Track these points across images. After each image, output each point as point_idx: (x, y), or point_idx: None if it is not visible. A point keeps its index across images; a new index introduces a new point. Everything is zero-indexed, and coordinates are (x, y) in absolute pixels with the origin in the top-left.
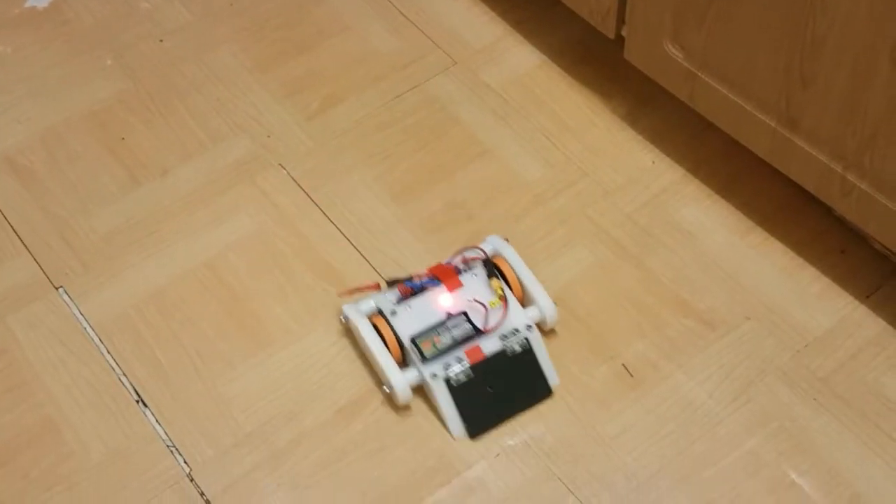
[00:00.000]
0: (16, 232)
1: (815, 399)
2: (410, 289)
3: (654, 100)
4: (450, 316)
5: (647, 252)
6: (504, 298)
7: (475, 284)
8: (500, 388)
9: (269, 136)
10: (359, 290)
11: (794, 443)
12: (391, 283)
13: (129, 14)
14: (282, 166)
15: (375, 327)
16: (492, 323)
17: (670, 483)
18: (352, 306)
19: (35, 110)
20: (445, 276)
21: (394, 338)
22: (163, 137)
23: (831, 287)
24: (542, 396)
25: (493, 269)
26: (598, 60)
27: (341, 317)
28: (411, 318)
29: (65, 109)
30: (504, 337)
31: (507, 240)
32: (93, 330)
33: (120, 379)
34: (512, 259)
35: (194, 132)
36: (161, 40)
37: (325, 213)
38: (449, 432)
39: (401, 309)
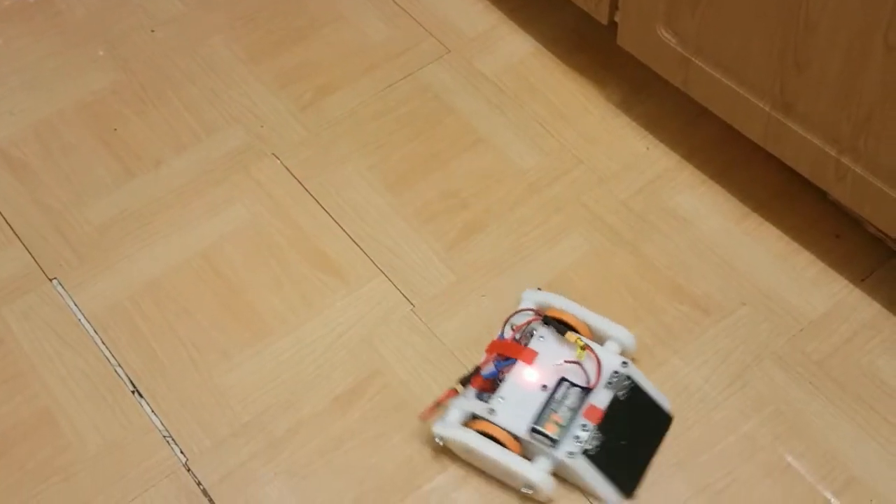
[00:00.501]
0: (9, 224)
1: (810, 383)
2: (489, 380)
3: (648, 86)
4: (549, 388)
5: (642, 238)
6: (587, 346)
7: (549, 346)
8: (630, 436)
9: (262, 127)
10: (438, 403)
11: (789, 426)
12: (465, 382)
13: (121, 4)
14: (276, 157)
15: (483, 434)
16: (593, 376)
17: (667, 468)
18: (441, 424)
19: (28, 102)
20: (515, 351)
21: (509, 436)
22: (156, 128)
23: (826, 271)
24: (666, 426)
25: (558, 324)
26: (591, 47)
27: (436, 440)
28: (512, 408)
29: (58, 101)
30: (609, 384)
31: (539, 288)
32: (87, 321)
33: (115, 370)
34: (566, 306)
35: (188, 123)
36: (153, 31)
37: (319, 203)
38: (604, 502)
39: (495, 404)
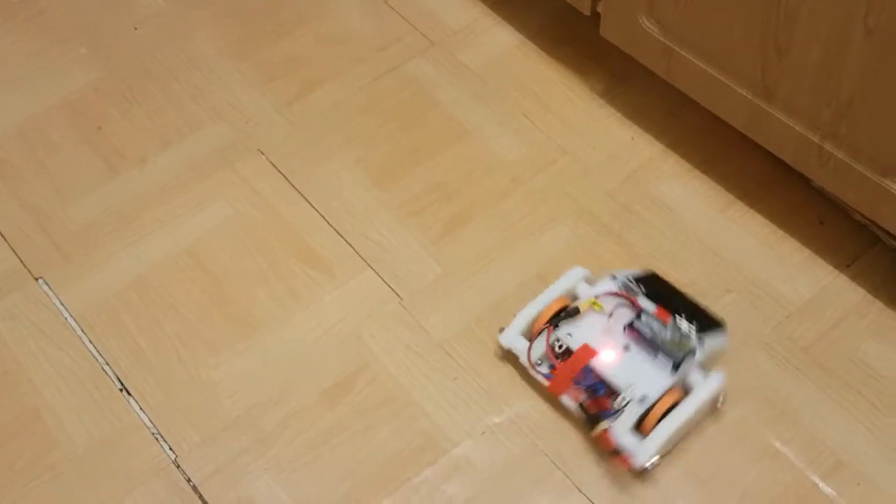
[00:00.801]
0: None
1: (797, 369)
2: (601, 396)
3: (631, 76)
4: (631, 342)
5: (627, 228)
6: (596, 298)
7: (585, 331)
8: (677, 302)
9: (247, 122)
10: (619, 451)
11: (777, 412)
12: (597, 419)
13: (103, 2)
14: (261, 152)
15: (666, 414)
16: (628, 302)
17: None
18: (638, 454)
19: (11, 101)
20: (576, 362)
21: (673, 392)
22: (140, 126)
23: (811, 258)
24: (662, 278)
25: (566, 311)
26: (575, 39)
27: (651, 466)
28: (646, 379)
29: (41, 100)
30: (634, 293)
31: (502, 328)
32: (74, 320)
33: (103, 368)
34: (539, 306)
35: (172, 120)
36: (136, 28)
37: (305, 198)
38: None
39: (634, 392)
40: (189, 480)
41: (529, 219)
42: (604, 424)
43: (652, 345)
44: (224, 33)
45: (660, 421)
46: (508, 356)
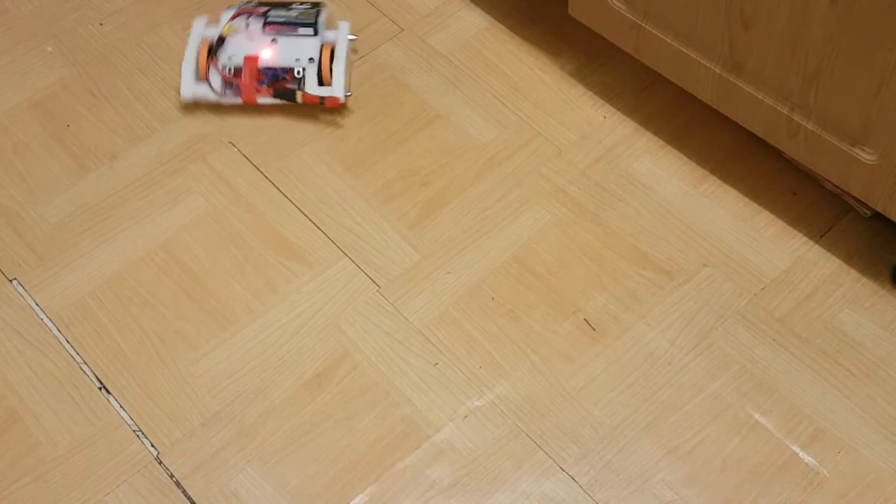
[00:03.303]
0: None
1: (774, 340)
2: (284, 77)
3: (601, 55)
4: (278, 35)
5: (603, 207)
6: (228, 24)
7: (234, 45)
8: None
9: (217, 114)
10: (310, 97)
11: (755, 383)
12: (289, 93)
13: None
14: (232, 144)
15: (332, 62)
16: (253, 12)
17: (637, 431)
18: (333, 90)
19: None
20: (248, 67)
21: (328, 46)
22: (109, 122)
23: (785, 229)
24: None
25: (213, 45)
26: (544, 19)
27: (347, 96)
28: (303, 48)
29: (7, 100)
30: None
31: (178, 87)
32: (50, 320)
33: (81, 367)
34: (191, 49)
35: (141, 115)
36: (101, 24)
37: (279, 189)
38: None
39: (302, 63)
40: (172, 476)
41: (505, 201)
42: (299, 93)
43: (290, 26)
44: (188, 25)
45: (331, 68)
46: (201, 106)
